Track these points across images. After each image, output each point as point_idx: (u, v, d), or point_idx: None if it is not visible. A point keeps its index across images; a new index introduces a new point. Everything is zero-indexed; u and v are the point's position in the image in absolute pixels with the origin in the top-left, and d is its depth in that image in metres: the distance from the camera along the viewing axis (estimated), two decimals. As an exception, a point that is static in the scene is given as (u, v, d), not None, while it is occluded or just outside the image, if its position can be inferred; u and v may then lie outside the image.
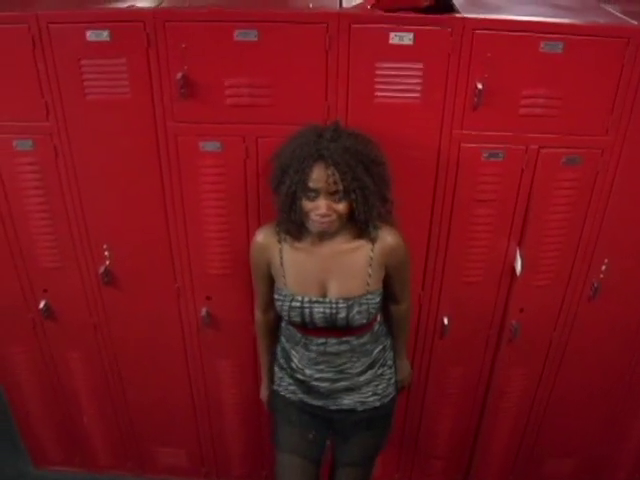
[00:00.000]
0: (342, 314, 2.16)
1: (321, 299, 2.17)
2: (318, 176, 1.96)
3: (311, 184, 1.97)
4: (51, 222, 2.47)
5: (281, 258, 2.19)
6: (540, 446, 3.09)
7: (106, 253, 2.53)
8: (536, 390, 2.86)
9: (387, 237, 2.16)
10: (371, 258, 2.16)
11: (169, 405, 3.02)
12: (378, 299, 2.22)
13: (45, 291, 2.67)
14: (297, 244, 2.17)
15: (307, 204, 2.02)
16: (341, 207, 2.01)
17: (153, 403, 3.02)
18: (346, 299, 2.16)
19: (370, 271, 2.17)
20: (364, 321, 2.20)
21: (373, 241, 2.16)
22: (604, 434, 3.06)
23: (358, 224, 2.11)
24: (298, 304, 2.17)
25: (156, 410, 3.04)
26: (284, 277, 2.20)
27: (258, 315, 2.44)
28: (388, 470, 3.21)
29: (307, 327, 2.22)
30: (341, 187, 1.97)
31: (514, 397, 2.89)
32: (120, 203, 2.42)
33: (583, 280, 2.52)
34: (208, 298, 2.62)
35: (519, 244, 2.41)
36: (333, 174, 1.95)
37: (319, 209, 2.00)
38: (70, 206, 2.43)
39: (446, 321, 2.60)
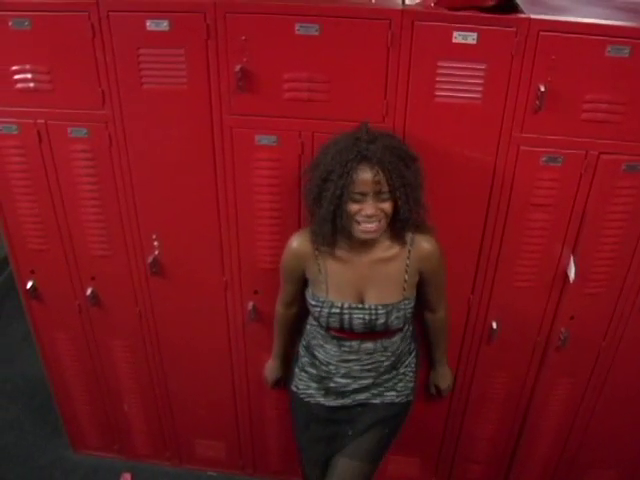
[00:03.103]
0: (381, 320, 2.17)
1: (360, 305, 2.18)
2: (364, 178, 1.95)
3: (358, 186, 1.96)
4: (102, 210, 2.49)
5: (319, 266, 2.19)
6: (582, 456, 3.04)
7: (155, 243, 2.54)
8: (581, 400, 2.81)
9: (423, 243, 2.17)
10: (407, 265, 2.17)
11: (210, 397, 3.02)
12: (413, 303, 2.24)
13: (93, 278, 2.69)
14: (335, 252, 2.16)
15: (353, 207, 2.00)
16: (387, 206, 2.00)
17: (194, 395, 3.02)
18: (385, 305, 2.16)
19: (406, 277, 2.18)
20: (401, 325, 2.23)
21: (409, 248, 2.16)
22: (649, 448, 3.01)
23: (395, 229, 2.11)
24: (338, 310, 2.18)
25: (197, 402, 3.05)
26: (325, 285, 2.19)
27: (280, 309, 2.45)
28: (426, 473, 3.19)
29: (344, 331, 2.22)
30: (386, 186, 1.96)
31: (558, 405, 2.84)
32: (172, 193, 2.42)
33: (637, 290, 2.46)
34: (256, 292, 2.61)
35: (573, 250, 2.36)
36: (378, 173, 1.94)
37: (366, 210, 1.99)
38: (122, 195, 2.44)
39: (495, 325, 2.56)
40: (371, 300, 2.18)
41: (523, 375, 2.75)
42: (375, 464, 2.48)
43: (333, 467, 2.45)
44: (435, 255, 2.20)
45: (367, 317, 2.17)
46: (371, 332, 2.21)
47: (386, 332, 2.22)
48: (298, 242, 2.21)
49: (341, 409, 2.39)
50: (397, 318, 2.19)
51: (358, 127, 2.06)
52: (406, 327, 2.32)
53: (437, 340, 2.53)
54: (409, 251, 2.16)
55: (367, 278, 2.17)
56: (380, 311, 2.16)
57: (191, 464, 3.35)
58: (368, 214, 1.99)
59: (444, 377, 2.67)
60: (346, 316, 2.18)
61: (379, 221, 2.02)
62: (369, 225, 2.02)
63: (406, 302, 2.20)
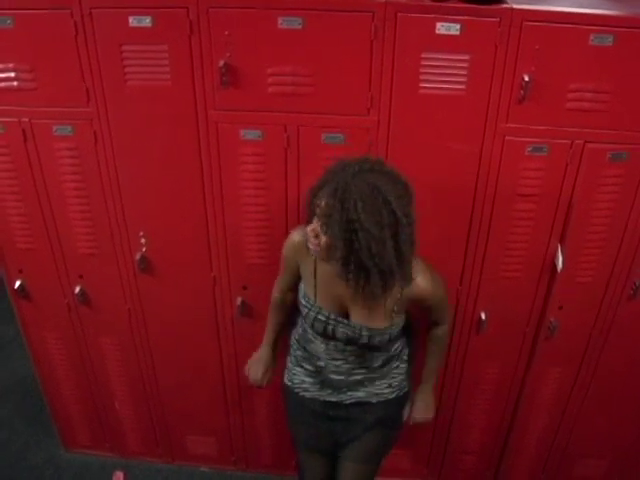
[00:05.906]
0: (364, 340, 2.16)
1: (345, 321, 2.15)
2: (320, 196, 1.91)
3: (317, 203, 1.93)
4: (89, 208, 2.48)
5: (314, 267, 2.16)
6: (573, 446, 3.05)
7: (142, 240, 2.53)
8: (571, 389, 2.82)
9: (418, 281, 2.07)
10: (399, 299, 2.12)
11: (201, 393, 3.02)
12: (401, 325, 2.21)
13: (81, 277, 2.68)
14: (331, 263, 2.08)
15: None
16: (322, 239, 1.94)
17: (185, 391, 3.02)
18: (370, 329, 2.14)
19: (396, 309, 2.14)
20: (385, 342, 2.20)
21: (403, 284, 2.04)
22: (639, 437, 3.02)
23: None
24: (324, 318, 2.17)
25: (188, 398, 3.05)
26: (314, 288, 2.18)
27: (275, 295, 2.42)
28: (417, 466, 3.20)
29: (328, 337, 2.21)
30: (324, 220, 1.90)
31: (548, 395, 2.85)
32: (158, 190, 2.41)
33: (624, 278, 2.47)
34: (244, 288, 2.61)
35: (560, 240, 2.37)
36: (321, 200, 1.90)
37: (309, 226, 1.98)
38: (108, 192, 2.43)
39: (483, 316, 2.57)
40: (357, 319, 2.13)
41: (513, 365, 2.76)
42: (380, 463, 2.49)
43: (339, 472, 2.44)
44: (430, 293, 2.14)
45: (350, 333, 2.15)
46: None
47: (371, 345, 2.20)
48: (300, 235, 2.16)
49: (339, 407, 2.37)
50: (380, 342, 2.17)
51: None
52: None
53: (433, 351, 2.45)
54: (402, 288, 2.07)
55: (354, 300, 2.10)
56: (364, 332, 2.14)
57: (183, 460, 3.35)
58: (308, 230, 1.99)
59: (424, 404, 2.56)
60: (330, 326, 2.16)
61: (316, 244, 1.97)
62: (310, 242, 2.00)
63: (393, 327, 2.17)
